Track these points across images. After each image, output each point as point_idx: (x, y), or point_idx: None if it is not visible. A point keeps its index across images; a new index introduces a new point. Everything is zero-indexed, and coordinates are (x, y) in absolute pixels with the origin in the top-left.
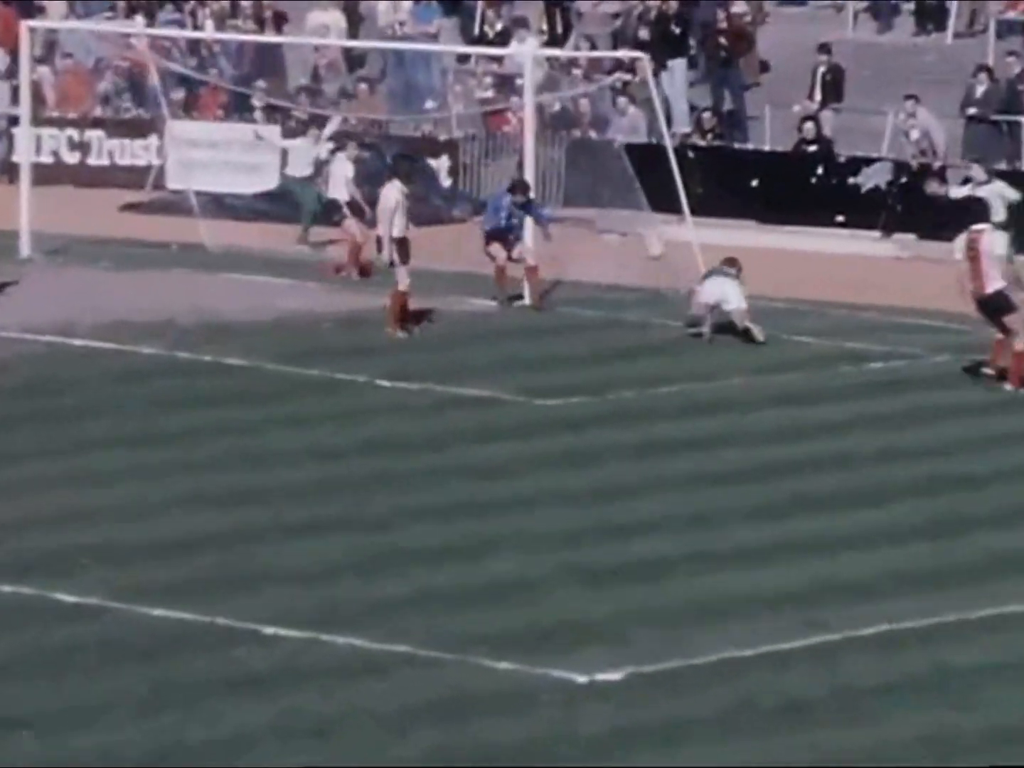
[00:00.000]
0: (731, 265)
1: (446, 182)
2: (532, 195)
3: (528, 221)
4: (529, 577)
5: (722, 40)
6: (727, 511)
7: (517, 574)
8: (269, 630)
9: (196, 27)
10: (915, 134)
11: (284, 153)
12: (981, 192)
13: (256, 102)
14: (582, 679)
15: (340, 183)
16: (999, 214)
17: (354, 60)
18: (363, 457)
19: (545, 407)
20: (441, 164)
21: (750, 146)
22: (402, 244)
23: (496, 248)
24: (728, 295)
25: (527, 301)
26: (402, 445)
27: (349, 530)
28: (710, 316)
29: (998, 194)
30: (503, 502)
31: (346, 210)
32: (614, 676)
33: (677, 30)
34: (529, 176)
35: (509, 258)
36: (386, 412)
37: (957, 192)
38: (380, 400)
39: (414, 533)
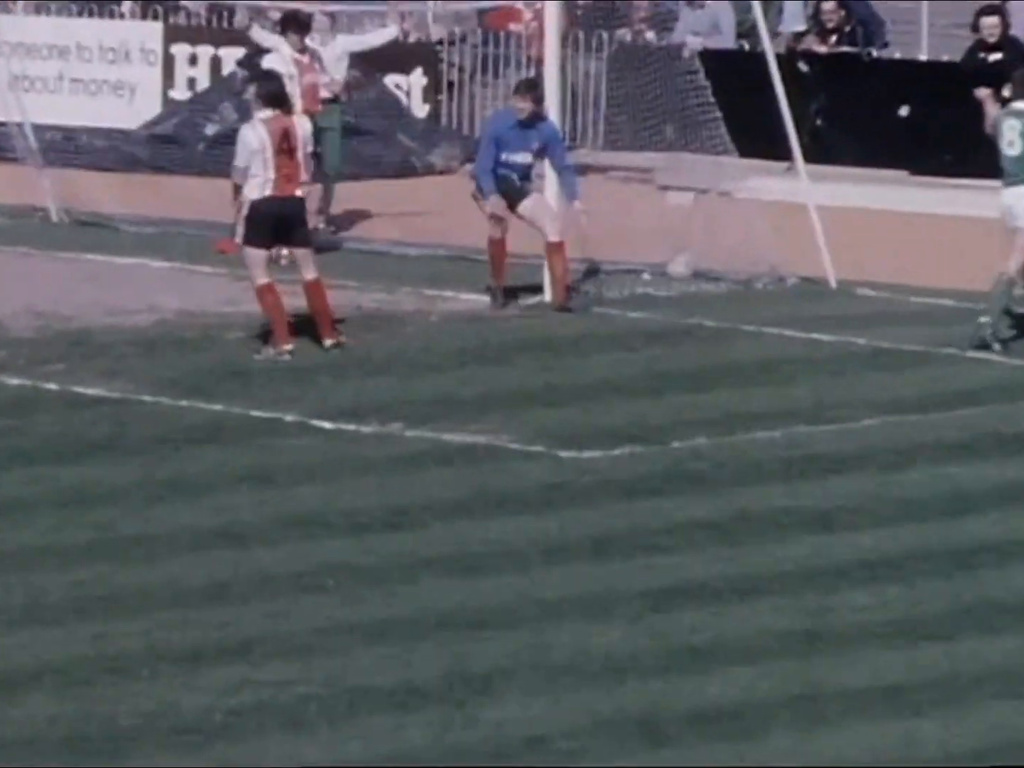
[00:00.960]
0: None
1: (420, 111)
2: (555, 123)
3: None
4: (547, 732)
5: None
6: (858, 628)
7: (528, 726)
8: None
9: None
10: None
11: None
12: None
13: None
14: None
15: None
16: None
17: None
18: (289, 542)
19: (576, 462)
20: (413, 83)
21: (896, 54)
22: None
23: (493, 198)
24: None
25: (546, 296)
26: (350, 523)
27: (267, 657)
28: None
29: None
30: (506, 612)
31: None
32: None
33: None
34: (552, 101)
35: (512, 210)
36: (326, 471)
37: None
38: (317, 452)
39: (368, 662)
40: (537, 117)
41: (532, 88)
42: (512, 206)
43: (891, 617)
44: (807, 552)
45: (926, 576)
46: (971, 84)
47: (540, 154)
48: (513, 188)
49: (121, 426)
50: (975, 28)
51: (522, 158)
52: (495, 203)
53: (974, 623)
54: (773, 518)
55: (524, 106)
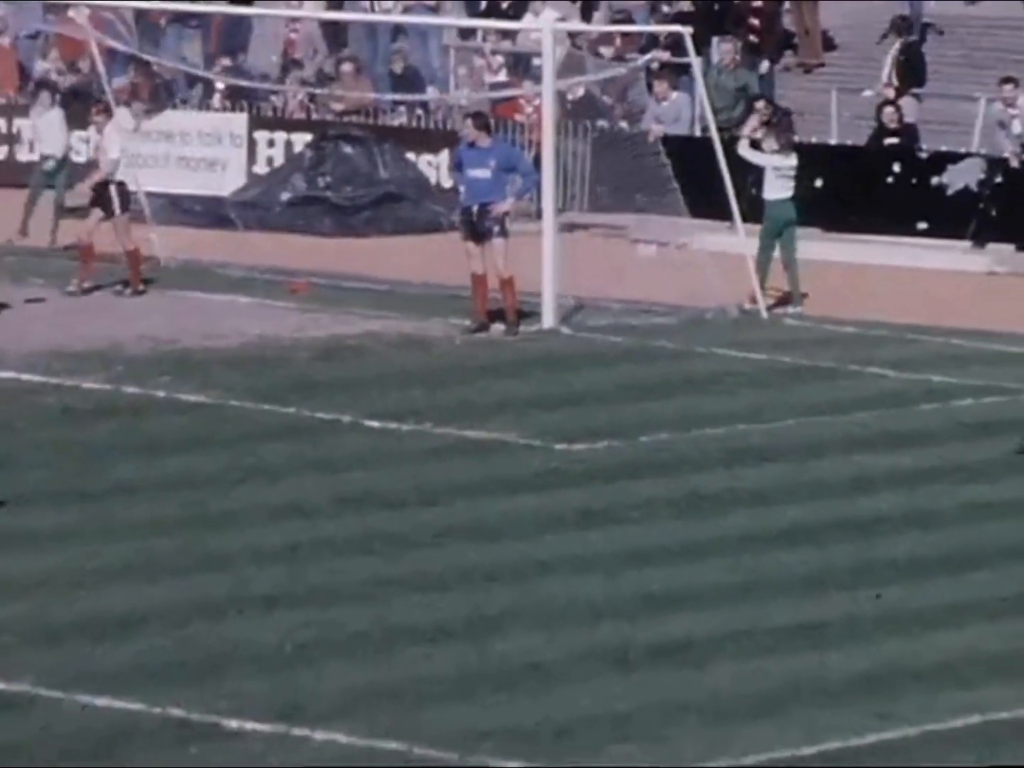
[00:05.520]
0: None
1: (447, 181)
2: (511, 146)
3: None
4: (543, 660)
5: (752, 20)
6: (783, 580)
7: (529, 656)
8: (232, 723)
9: None
10: (1018, 127)
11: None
12: None
13: (219, 85)
14: None
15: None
16: None
17: (336, 35)
18: (345, 515)
19: (566, 453)
20: (441, 160)
21: (812, 139)
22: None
23: (469, 243)
24: None
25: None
26: (392, 500)
27: (327, 603)
28: None
29: None
30: (512, 569)
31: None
32: None
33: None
34: (547, 176)
35: (476, 243)
36: (374, 460)
37: None
38: (367, 445)
39: (404, 607)
40: (489, 140)
41: (475, 118)
42: (476, 239)
43: (806, 572)
44: (745, 523)
45: (835, 540)
46: (869, 163)
47: (508, 170)
48: (473, 224)
49: (214, 425)
50: (879, 117)
51: (481, 173)
52: (471, 247)
53: (873, 578)
54: (718, 496)
55: (472, 133)
